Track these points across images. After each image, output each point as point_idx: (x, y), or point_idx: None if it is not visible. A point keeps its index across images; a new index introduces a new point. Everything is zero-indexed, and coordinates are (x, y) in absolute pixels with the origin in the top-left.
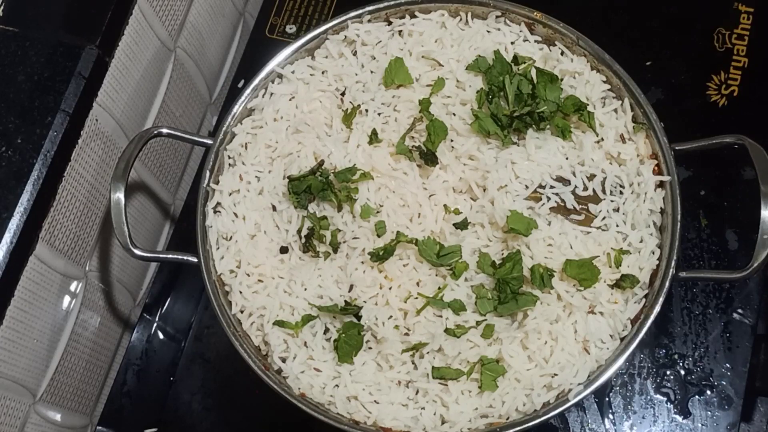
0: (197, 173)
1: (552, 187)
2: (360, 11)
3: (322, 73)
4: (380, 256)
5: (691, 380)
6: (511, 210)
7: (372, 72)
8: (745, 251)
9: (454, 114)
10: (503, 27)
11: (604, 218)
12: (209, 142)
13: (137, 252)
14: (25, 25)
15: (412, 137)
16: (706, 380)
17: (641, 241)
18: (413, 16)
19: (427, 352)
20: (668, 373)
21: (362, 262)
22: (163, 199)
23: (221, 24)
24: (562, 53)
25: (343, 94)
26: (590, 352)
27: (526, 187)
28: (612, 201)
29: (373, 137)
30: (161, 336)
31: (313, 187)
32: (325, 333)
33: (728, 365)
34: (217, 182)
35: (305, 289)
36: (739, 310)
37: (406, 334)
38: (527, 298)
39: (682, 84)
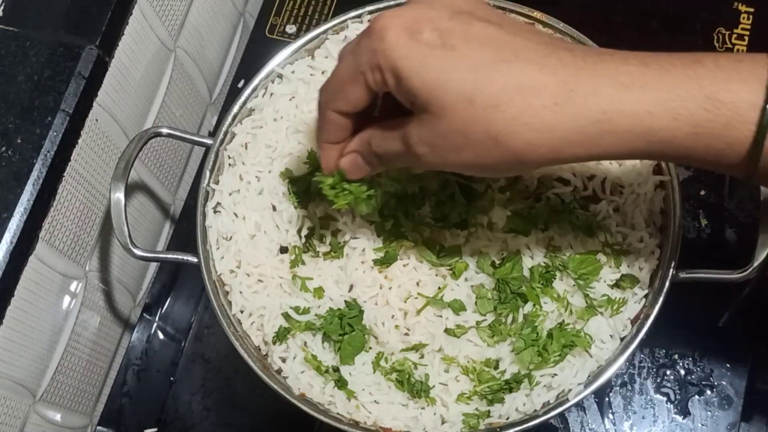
0: (197, 173)
1: (552, 187)
2: (360, 11)
3: (322, 73)
4: (383, 260)
5: (691, 380)
6: (511, 210)
7: None
8: (745, 251)
9: None
10: None
11: (604, 218)
12: (209, 142)
13: (137, 252)
14: (25, 25)
15: None
16: (706, 380)
17: (641, 241)
18: None
19: (427, 352)
20: (668, 373)
21: (362, 262)
22: (163, 199)
23: (221, 24)
24: None
25: None
26: (590, 352)
27: (526, 186)
28: (612, 201)
29: None
30: (161, 336)
31: (313, 187)
32: (325, 333)
33: (728, 365)
34: (217, 182)
35: (305, 290)
36: (739, 310)
37: (406, 334)
38: (527, 298)
39: None
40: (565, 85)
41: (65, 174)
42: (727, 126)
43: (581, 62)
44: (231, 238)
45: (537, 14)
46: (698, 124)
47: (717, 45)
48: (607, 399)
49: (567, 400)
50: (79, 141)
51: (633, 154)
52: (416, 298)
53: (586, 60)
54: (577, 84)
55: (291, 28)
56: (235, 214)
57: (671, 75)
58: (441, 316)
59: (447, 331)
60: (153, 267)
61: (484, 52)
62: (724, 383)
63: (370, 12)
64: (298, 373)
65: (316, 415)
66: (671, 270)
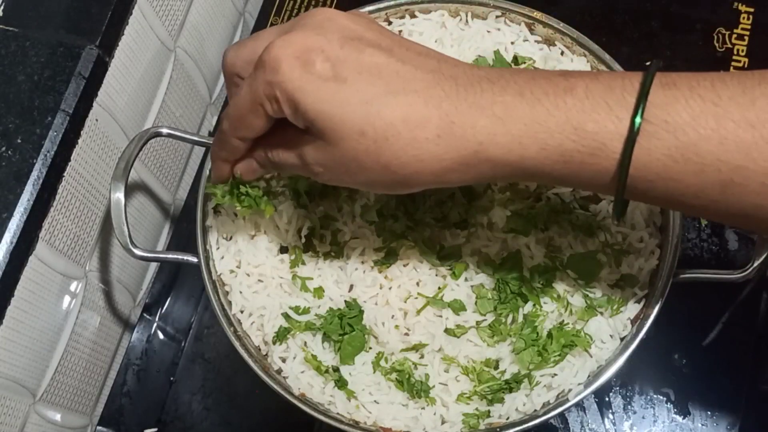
0: (197, 173)
1: (552, 187)
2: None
3: None
4: (383, 261)
5: (691, 380)
6: (511, 210)
7: None
8: (745, 251)
9: None
10: (503, 27)
11: (604, 218)
12: (209, 142)
13: (137, 252)
14: (25, 25)
15: None
16: (706, 380)
17: (641, 241)
18: (413, 16)
19: (427, 352)
20: (668, 373)
21: (362, 262)
22: (163, 199)
23: (221, 24)
24: (562, 53)
25: None
26: (590, 352)
27: (526, 186)
28: (612, 201)
29: None
30: (161, 336)
31: (314, 187)
32: (325, 333)
33: (728, 365)
34: None
35: (305, 290)
36: (739, 310)
37: (406, 334)
38: (527, 298)
39: None
40: (447, 117)
41: (65, 174)
42: (593, 155)
43: (463, 93)
44: (231, 238)
45: (537, 14)
46: (566, 153)
47: (717, 45)
48: (607, 399)
49: (567, 400)
50: (79, 141)
51: (511, 178)
52: (416, 298)
53: (467, 90)
54: (458, 116)
55: None
56: (235, 214)
57: (542, 106)
58: (441, 316)
59: (447, 331)
60: (153, 267)
61: (374, 85)
62: (724, 383)
63: (370, 12)
64: (298, 373)
65: (316, 415)
66: (671, 270)
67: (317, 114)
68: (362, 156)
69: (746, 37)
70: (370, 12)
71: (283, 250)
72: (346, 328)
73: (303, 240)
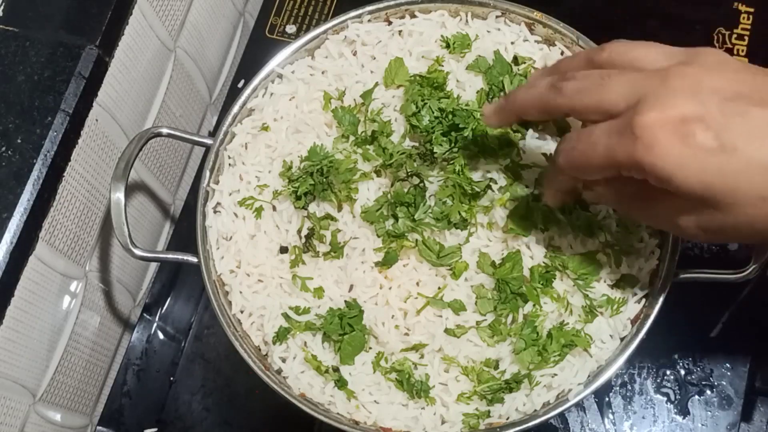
0: (197, 173)
1: None
2: (360, 11)
3: (322, 73)
4: (384, 262)
5: (691, 380)
6: (511, 210)
7: (372, 72)
8: (745, 251)
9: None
10: (503, 27)
11: (604, 218)
12: (209, 142)
13: (137, 252)
14: (25, 25)
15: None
16: (706, 380)
17: (641, 241)
18: (413, 16)
19: (427, 352)
20: (668, 373)
21: (362, 262)
22: (163, 199)
23: (221, 24)
24: (562, 53)
25: (343, 94)
26: (590, 352)
27: (526, 186)
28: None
29: (373, 138)
30: (161, 336)
31: (316, 187)
32: (325, 333)
33: (728, 365)
34: (217, 182)
35: (305, 290)
36: (739, 310)
37: (406, 334)
38: (527, 298)
39: None
40: None
41: (65, 174)
42: None
43: None
44: (231, 238)
45: (537, 14)
46: None
47: (717, 45)
48: (607, 399)
49: (567, 400)
50: (79, 141)
51: None
52: (416, 298)
53: None
54: None
55: (291, 28)
56: (235, 214)
57: None
58: (441, 316)
59: (447, 331)
60: (153, 267)
61: None
62: (724, 383)
63: (370, 12)
64: (298, 373)
65: (316, 415)
66: (671, 270)
67: (704, 185)
68: (761, 219)
69: (746, 37)
70: (370, 12)
71: (283, 250)
72: (346, 328)
73: (303, 240)
